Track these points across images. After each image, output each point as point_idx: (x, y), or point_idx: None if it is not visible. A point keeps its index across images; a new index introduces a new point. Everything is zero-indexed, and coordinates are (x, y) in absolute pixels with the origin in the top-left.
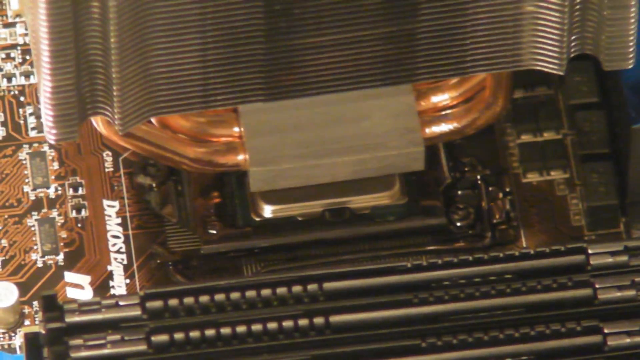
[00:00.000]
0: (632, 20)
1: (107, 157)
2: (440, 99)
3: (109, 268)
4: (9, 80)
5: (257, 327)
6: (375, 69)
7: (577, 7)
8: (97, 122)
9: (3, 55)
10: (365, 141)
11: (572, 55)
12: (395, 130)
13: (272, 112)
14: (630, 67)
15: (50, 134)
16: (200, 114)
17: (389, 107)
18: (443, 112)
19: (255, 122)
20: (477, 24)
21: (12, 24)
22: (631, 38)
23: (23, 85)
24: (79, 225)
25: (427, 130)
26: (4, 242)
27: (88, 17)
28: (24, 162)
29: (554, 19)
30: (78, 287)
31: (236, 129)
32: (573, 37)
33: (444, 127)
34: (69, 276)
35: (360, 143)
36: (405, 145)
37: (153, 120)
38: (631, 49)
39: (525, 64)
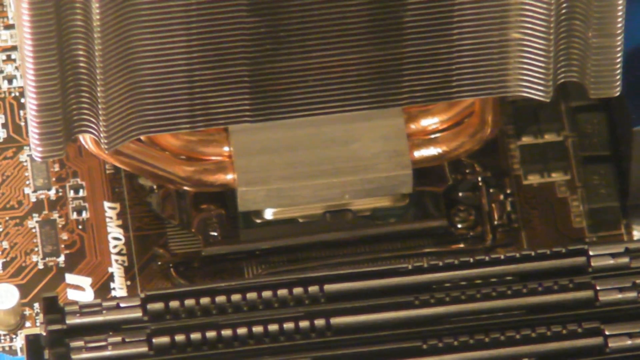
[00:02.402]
0: (618, 49)
1: None
2: (430, 122)
3: (110, 270)
4: (10, 82)
5: (258, 328)
6: (361, 92)
7: (563, 34)
8: (85, 140)
9: (4, 57)
10: (354, 163)
11: (558, 82)
12: (384, 153)
13: (261, 132)
14: (616, 95)
15: (36, 152)
16: (190, 133)
17: (378, 130)
18: (432, 136)
19: (244, 142)
20: (463, 50)
21: (13, 26)
22: (617, 66)
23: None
24: (80, 227)
25: (416, 154)
26: (5, 244)
27: (73, 37)
28: (24, 164)
29: (540, 46)
30: (79, 289)
31: (226, 148)
32: (559, 65)
33: (432, 151)
34: (70, 278)
35: (349, 165)
36: (393, 168)
37: (142, 137)
38: (617, 77)
39: (511, 90)
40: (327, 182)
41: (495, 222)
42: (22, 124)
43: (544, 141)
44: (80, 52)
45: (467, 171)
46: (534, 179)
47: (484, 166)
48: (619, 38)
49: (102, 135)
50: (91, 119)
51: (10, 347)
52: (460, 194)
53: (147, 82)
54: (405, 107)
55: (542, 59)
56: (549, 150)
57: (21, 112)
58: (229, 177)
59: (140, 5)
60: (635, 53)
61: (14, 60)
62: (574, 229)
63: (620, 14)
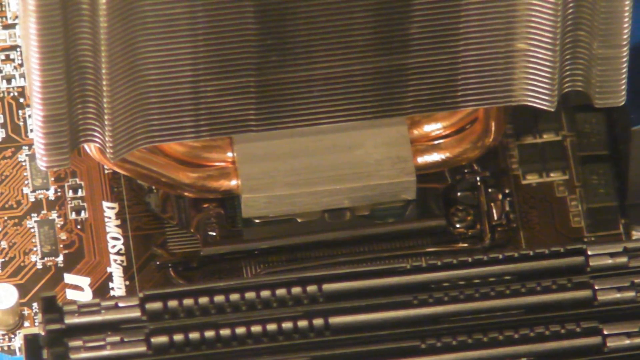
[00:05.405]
0: (624, 59)
1: None
2: (433, 128)
3: (109, 270)
4: (9, 81)
5: (256, 328)
6: (365, 103)
7: (569, 45)
8: (90, 148)
9: (3, 57)
10: (358, 170)
11: (564, 91)
12: (388, 159)
13: (265, 140)
14: (621, 104)
15: (41, 161)
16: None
17: (381, 136)
18: (435, 142)
19: (248, 149)
20: (468, 60)
21: (12, 26)
22: (622, 76)
23: (23, 87)
24: (79, 227)
25: (419, 160)
26: (4, 244)
27: (80, 47)
28: (23, 163)
29: (545, 56)
30: (78, 289)
31: (230, 154)
32: (564, 74)
33: (435, 157)
34: (69, 278)
35: (353, 171)
36: (397, 174)
37: None
38: (622, 87)
39: (517, 99)
40: (331, 189)
41: (494, 222)
42: (21, 123)
43: (543, 141)
44: (87, 63)
45: (466, 171)
46: (532, 179)
47: (483, 166)
48: (625, 49)
49: (107, 144)
50: (97, 128)
51: (9, 347)
52: (458, 194)
53: (153, 92)
54: None
55: (547, 69)
56: (548, 149)
57: (20, 112)
58: (233, 183)
59: (147, 15)
60: (633, 53)
61: (13, 60)
62: (573, 228)
63: (626, 25)
